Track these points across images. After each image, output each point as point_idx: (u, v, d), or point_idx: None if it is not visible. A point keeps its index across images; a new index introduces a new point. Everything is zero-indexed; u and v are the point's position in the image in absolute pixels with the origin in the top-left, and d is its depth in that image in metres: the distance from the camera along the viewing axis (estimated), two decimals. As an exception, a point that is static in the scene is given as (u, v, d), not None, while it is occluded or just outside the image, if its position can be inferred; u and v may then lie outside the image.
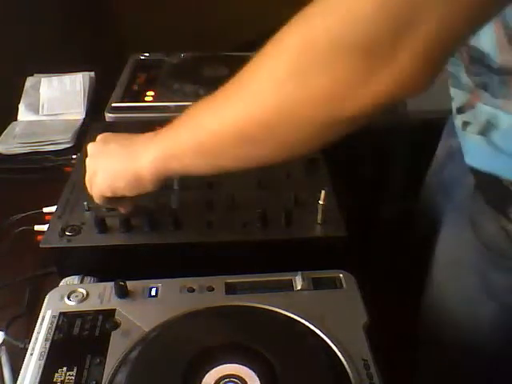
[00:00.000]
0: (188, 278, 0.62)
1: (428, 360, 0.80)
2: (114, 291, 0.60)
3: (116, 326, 0.56)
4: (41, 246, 0.67)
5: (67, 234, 0.68)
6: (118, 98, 1.05)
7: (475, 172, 0.64)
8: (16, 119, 1.11)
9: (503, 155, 0.59)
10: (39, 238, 0.71)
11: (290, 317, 0.57)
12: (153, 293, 0.61)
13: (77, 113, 1.12)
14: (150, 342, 0.54)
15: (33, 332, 0.56)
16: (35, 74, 1.19)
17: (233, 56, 1.21)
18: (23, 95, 1.15)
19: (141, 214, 0.70)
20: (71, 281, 0.65)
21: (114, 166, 0.64)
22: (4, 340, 0.63)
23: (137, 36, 1.45)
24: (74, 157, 0.98)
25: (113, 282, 0.60)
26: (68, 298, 0.60)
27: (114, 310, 0.58)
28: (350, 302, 0.60)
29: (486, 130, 0.60)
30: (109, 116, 1.00)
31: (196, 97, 1.04)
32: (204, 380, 0.50)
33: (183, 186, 0.77)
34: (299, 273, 0.62)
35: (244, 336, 0.55)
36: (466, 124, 0.64)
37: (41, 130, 1.07)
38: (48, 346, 0.54)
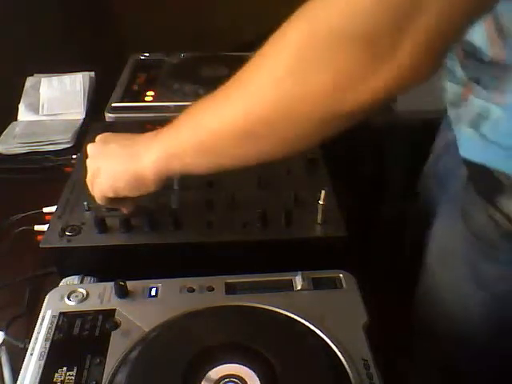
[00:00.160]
0: (188, 278, 0.62)
1: (422, 350, 0.80)
2: (114, 291, 0.60)
3: (116, 325, 0.56)
4: (41, 246, 0.68)
5: (67, 233, 0.68)
6: (118, 98, 1.05)
7: (468, 163, 0.65)
8: (16, 119, 1.11)
9: (494, 146, 0.60)
10: (39, 237, 0.71)
11: (290, 317, 0.57)
12: (153, 293, 0.61)
13: (77, 113, 1.12)
14: (150, 341, 0.54)
15: (33, 332, 0.56)
16: (35, 74, 1.19)
17: (232, 56, 1.21)
18: (23, 95, 1.15)
19: (141, 214, 0.70)
20: (71, 281, 0.65)
21: (116, 167, 0.64)
22: (4, 340, 0.63)
23: (137, 36, 1.45)
24: (74, 157, 0.97)
25: (113, 282, 0.60)
26: (68, 297, 0.60)
27: (114, 309, 0.58)
28: (350, 302, 0.60)
29: (477, 122, 0.61)
30: (109, 116, 1.00)
31: (196, 97, 1.03)
32: (204, 380, 0.50)
33: (183, 186, 0.77)
34: (299, 273, 0.62)
35: (244, 336, 0.55)
36: (458, 117, 0.65)
37: (41, 130, 1.07)
38: (48, 346, 0.54)
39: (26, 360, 0.53)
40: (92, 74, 1.19)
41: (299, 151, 0.57)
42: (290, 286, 0.62)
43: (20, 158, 1.01)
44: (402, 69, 0.43)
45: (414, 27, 0.41)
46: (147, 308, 0.59)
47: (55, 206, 0.74)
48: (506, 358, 0.70)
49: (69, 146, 1.03)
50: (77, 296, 0.60)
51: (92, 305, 0.59)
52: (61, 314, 0.58)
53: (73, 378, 0.51)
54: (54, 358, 0.53)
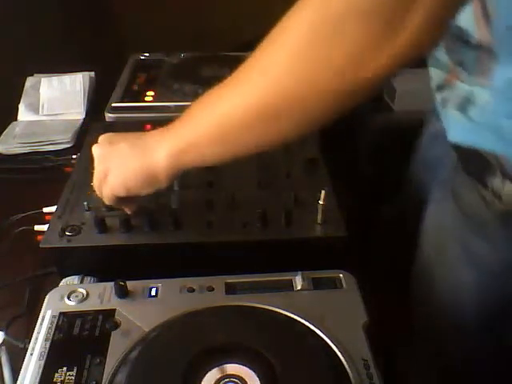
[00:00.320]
0: (188, 278, 0.62)
1: (420, 335, 0.81)
2: (114, 291, 0.60)
3: (116, 325, 0.56)
4: (41, 246, 0.68)
5: (67, 233, 0.68)
6: (118, 98, 1.05)
7: (456, 147, 0.67)
8: (16, 119, 1.12)
9: (481, 128, 0.62)
10: (39, 237, 0.71)
11: (290, 317, 0.57)
12: (153, 293, 0.61)
13: (77, 113, 1.12)
14: (150, 341, 0.54)
15: (33, 332, 0.56)
16: (35, 74, 1.20)
17: (232, 56, 1.21)
18: (23, 95, 1.15)
19: (141, 214, 0.70)
20: (71, 281, 0.65)
21: (128, 165, 0.63)
22: (4, 340, 0.63)
23: (137, 36, 1.45)
24: (74, 157, 0.98)
25: (113, 282, 0.60)
26: (68, 297, 0.60)
27: (114, 309, 0.58)
28: (350, 302, 0.60)
29: (464, 105, 0.63)
30: (109, 116, 1.00)
31: (196, 97, 1.03)
32: (204, 380, 0.50)
33: (183, 186, 0.77)
34: (299, 273, 0.62)
35: (244, 336, 0.55)
36: (445, 101, 0.67)
37: (41, 130, 1.07)
38: (48, 346, 0.54)
39: (25, 360, 0.53)
40: (92, 74, 1.19)
41: (318, 126, 0.56)
42: (290, 286, 0.62)
43: (20, 158, 1.01)
44: (415, 36, 0.45)
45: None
46: (147, 308, 0.59)
47: (55, 206, 0.74)
48: (501, 340, 0.71)
49: (69, 145, 1.03)
50: (77, 296, 0.60)
51: (92, 305, 0.59)
52: (61, 314, 0.58)
53: (73, 377, 0.51)
54: (54, 358, 0.53)
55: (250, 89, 0.53)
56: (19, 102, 1.13)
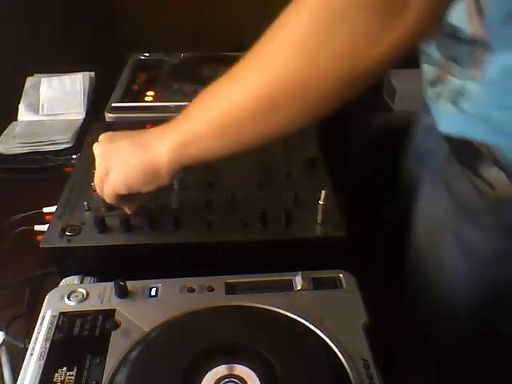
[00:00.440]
0: (188, 278, 0.62)
1: (415, 327, 0.82)
2: (114, 291, 0.60)
3: (116, 325, 0.56)
4: (41, 246, 0.68)
5: (67, 234, 0.68)
6: (118, 98, 1.05)
7: (448, 138, 0.69)
8: (16, 119, 1.12)
9: (473, 120, 0.64)
10: (39, 238, 0.71)
11: (290, 317, 0.57)
12: (153, 293, 0.61)
13: (77, 113, 1.12)
14: (149, 341, 0.54)
15: (33, 332, 0.56)
16: (35, 74, 1.20)
17: (232, 56, 1.21)
18: (23, 95, 1.15)
19: (141, 213, 0.70)
20: (71, 281, 0.65)
21: (129, 162, 0.64)
22: (4, 340, 0.63)
23: (137, 36, 1.45)
24: (74, 157, 0.98)
25: (113, 282, 0.60)
26: (68, 297, 0.60)
27: (114, 309, 0.58)
28: (349, 302, 0.60)
29: (456, 99, 0.65)
30: (109, 116, 1.01)
31: (196, 97, 1.04)
32: (204, 380, 0.50)
33: (183, 186, 0.77)
34: (299, 273, 0.62)
35: (244, 336, 0.55)
36: (438, 95, 0.69)
37: (41, 130, 1.07)
38: (48, 346, 0.54)
39: (25, 360, 0.53)
40: (92, 74, 1.19)
41: (319, 116, 0.57)
42: (290, 286, 0.62)
43: (20, 158, 1.01)
44: (414, 23, 0.47)
45: None
46: (147, 308, 0.59)
47: (55, 206, 0.74)
48: (495, 329, 0.72)
49: (69, 145, 1.03)
50: (77, 296, 0.60)
51: (92, 305, 0.59)
52: (61, 314, 0.58)
53: (73, 378, 0.51)
54: (54, 358, 0.53)
55: (249, 80, 0.54)
56: (19, 102, 1.13)
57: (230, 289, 0.61)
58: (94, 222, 0.69)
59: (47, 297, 0.61)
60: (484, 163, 0.64)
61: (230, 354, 0.52)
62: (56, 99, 1.14)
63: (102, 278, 0.65)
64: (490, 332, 0.73)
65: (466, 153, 0.66)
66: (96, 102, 1.14)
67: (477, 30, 0.58)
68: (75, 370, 0.52)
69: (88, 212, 0.72)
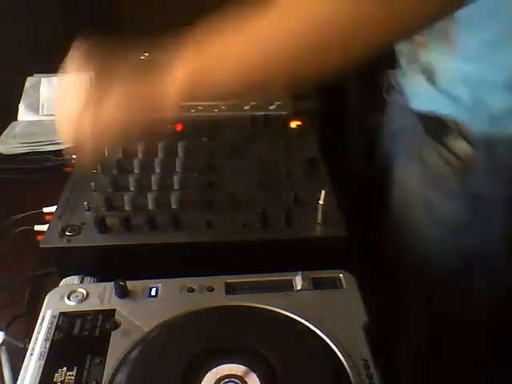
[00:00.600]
0: (188, 278, 0.62)
1: (403, 286, 0.87)
2: (114, 291, 0.60)
3: (116, 325, 0.56)
4: (41, 246, 0.68)
5: (67, 234, 0.68)
6: (118, 98, 1.05)
7: (420, 115, 0.76)
8: (16, 119, 1.11)
9: (443, 96, 0.71)
10: (39, 238, 0.71)
11: (290, 317, 0.57)
12: (153, 293, 0.61)
13: (77, 113, 1.12)
14: (149, 341, 0.54)
15: (33, 332, 0.56)
16: (35, 74, 1.20)
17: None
18: (23, 95, 1.15)
19: (141, 214, 0.70)
20: (71, 281, 0.65)
21: (132, 84, 0.60)
22: (4, 340, 0.63)
23: (137, 36, 1.45)
24: (74, 157, 0.97)
25: (113, 282, 0.60)
26: (68, 298, 0.60)
27: (114, 309, 0.58)
28: (349, 302, 0.60)
29: (428, 73, 0.72)
30: (109, 116, 1.00)
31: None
32: (204, 380, 0.50)
33: (183, 186, 0.77)
34: (299, 273, 0.62)
35: (244, 336, 0.55)
36: (412, 71, 0.76)
37: (41, 130, 1.07)
38: (48, 346, 0.54)
39: (25, 360, 0.53)
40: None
41: (359, 59, 0.56)
42: (290, 286, 0.62)
43: (20, 158, 1.01)
44: None
45: None
46: (147, 308, 0.59)
47: (55, 206, 0.74)
48: (468, 292, 0.78)
49: (69, 145, 1.03)
50: (77, 296, 0.60)
51: (92, 305, 0.59)
52: (61, 314, 0.58)
53: (73, 378, 0.51)
54: (54, 358, 0.53)
55: (301, 17, 0.53)
56: (19, 102, 1.13)
57: (230, 289, 0.61)
58: (94, 222, 0.69)
59: (47, 297, 0.61)
60: (452, 137, 0.71)
61: (230, 354, 0.52)
62: (56, 99, 1.14)
63: (102, 278, 0.65)
64: (465, 294, 0.78)
65: (437, 128, 0.73)
66: (96, 102, 1.13)
67: None
68: (75, 370, 0.52)
69: (88, 212, 0.72)
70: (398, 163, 0.86)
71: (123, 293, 0.60)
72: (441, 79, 0.71)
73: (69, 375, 0.51)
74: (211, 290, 0.61)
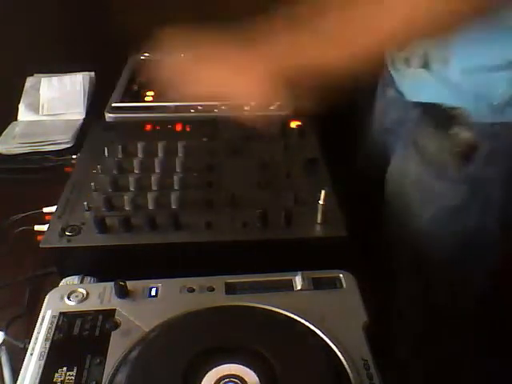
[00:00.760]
0: (188, 278, 0.62)
1: (398, 269, 0.90)
2: (114, 291, 0.60)
3: (116, 325, 0.56)
4: (41, 246, 0.67)
5: (67, 234, 0.68)
6: (118, 98, 1.05)
7: (419, 105, 0.78)
8: (16, 119, 1.11)
9: (442, 85, 0.73)
10: (39, 238, 0.71)
11: (289, 317, 0.57)
12: (153, 293, 0.61)
13: (77, 113, 1.12)
14: (149, 341, 0.54)
15: (33, 332, 0.56)
16: (35, 74, 1.20)
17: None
18: (23, 95, 1.15)
19: (141, 214, 0.70)
20: (71, 281, 0.65)
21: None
22: (4, 340, 0.63)
23: (137, 36, 1.45)
24: (74, 157, 0.98)
25: (113, 282, 0.60)
26: (68, 298, 0.60)
27: (114, 309, 0.58)
28: (349, 302, 0.60)
29: (426, 62, 0.74)
30: (109, 116, 1.00)
31: (196, 97, 1.04)
32: (204, 380, 0.50)
33: (183, 186, 0.77)
34: (299, 273, 0.62)
35: (244, 336, 0.55)
36: (407, 61, 0.77)
37: (41, 130, 1.07)
38: (48, 346, 0.54)
39: (25, 360, 0.53)
40: (92, 74, 1.19)
41: None
42: (290, 286, 0.62)
43: (20, 158, 1.01)
44: None
45: None
46: (147, 308, 0.59)
47: (55, 206, 0.74)
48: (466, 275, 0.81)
49: (69, 146, 1.03)
50: (77, 296, 0.60)
51: (92, 305, 0.59)
52: (61, 314, 0.58)
53: (73, 378, 0.51)
54: (54, 358, 0.53)
55: None
56: (19, 102, 1.13)
57: (230, 289, 0.61)
58: (94, 222, 0.69)
59: (47, 297, 0.61)
60: (453, 125, 0.73)
61: (230, 354, 0.52)
62: (56, 99, 1.14)
63: (102, 278, 0.65)
64: (455, 286, 0.81)
65: (436, 116, 0.75)
66: (96, 102, 1.14)
67: None
68: (75, 370, 0.52)
69: (88, 212, 0.72)
70: (394, 154, 0.88)
71: (123, 293, 0.60)
72: (441, 69, 0.73)
73: (69, 375, 0.51)
74: (211, 289, 0.61)
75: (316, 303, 0.59)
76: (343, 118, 1.21)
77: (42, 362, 0.53)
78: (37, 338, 0.55)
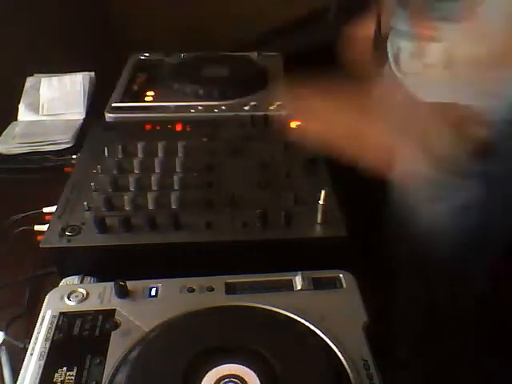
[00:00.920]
0: (188, 278, 0.62)
1: (399, 268, 0.90)
2: (114, 291, 0.60)
3: (116, 325, 0.56)
4: (41, 246, 0.67)
5: (67, 234, 0.68)
6: (118, 98, 1.05)
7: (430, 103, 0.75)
8: (16, 119, 1.11)
9: (461, 85, 0.71)
10: (39, 238, 0.71)
11: (290, 317, 0.57)
12: (153, 293, 0.61)
13: (77, 113, 1.12)
14: (149, 341, 0.54)
15: (33, 332, 0.56)
16: (35, 74, 1.19)
17: (233, 56, 1.21)
18: (23, 95, 1.15)
19: (141, 214, 0.70)
20: (71, 281, 0.65)
21: None
22: (4, 340, 0.63)
23: (137, 36, 1.45)
24: (74, 157, 0.98)
25: (113, 282, 0.60)
26: (68, 298, 0.60)
27: (114, 310, 0.58)
28: (349, 302, 0.60)
29: (447, 62, 0.73)
30: (109, 116, 1.00)
31: (196, 97, 1.04)
32: (204, 380, 0.50)
33: (183, 186, 0.77)
34: (299, 273, 0.62)
35: (244, 336, 0.55)
36: (426, 66, 0.77)
37: (41, 130, 1.07)
38: (48, 346, 0.54)
39: (25, 360, 0.53)
40: (92, 74, 1.19)
41: None
42: (290, 285, 0.62)
43: (20, 158, 1.01)
44: None
45: None
46: (147, 308, 0.59)
47: (55, 206, 0.74)
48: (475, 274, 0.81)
49: (69, 146, 1.03)
50: (77, 296, 0.60)
51: (92, 305, 0.59)
52: (61, 314, 0.58)
53: (73, 378, 0.51)
54: (54, 358, 0.53)
55: None
56: (19, 102, 1.13)
57: (230, 289, 0.61)
58: (94, 222, 0.69)
59: (47, 297, 0.61)
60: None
61: (230, 354, 0.52)
62: (56, 99, 1.14)
63: (102, 278, 0.65)
64: (456, 285, 0.81)
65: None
66: (96, 102, 1.14)
67: None
68: (75, 370, 0.52)
69: (88, 212, 0.72)
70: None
71: (123, 293, 0.60)
72: (459, 67, 0.72)
73: (69, 375, 0.51)
74: (211, 290, 0.61)
75: (316, 303, 0.59)
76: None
77: (42, 362, 0.53)
78: (37, 338, 0.55)
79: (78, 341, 0.55)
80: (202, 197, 0.74)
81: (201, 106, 1.01)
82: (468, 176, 0.77)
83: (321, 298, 0.60)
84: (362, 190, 0.99)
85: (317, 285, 0.62)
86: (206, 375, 0.51)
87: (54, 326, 0.57)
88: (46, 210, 0.83)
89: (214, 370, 0.51)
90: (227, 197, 0.74)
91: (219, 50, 1.24)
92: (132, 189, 0.76)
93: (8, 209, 0.85)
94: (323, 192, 0.69)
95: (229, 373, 0.51)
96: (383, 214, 0.90)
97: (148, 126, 0.94)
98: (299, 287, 0.61)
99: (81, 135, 1.04)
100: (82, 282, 0.65)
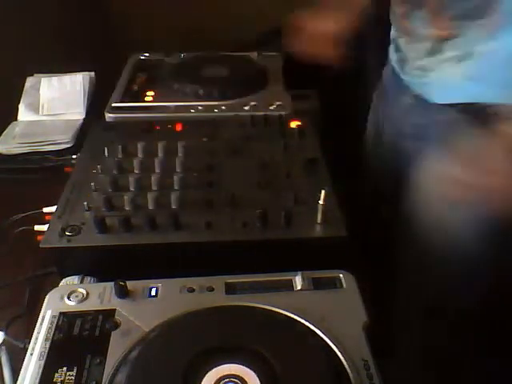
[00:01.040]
0: (188, 278, 0.62)
1: (406, 270, 0.89)
2: (114, 291, 0.60)
3: (116, 325, 0.56)
4: (41, 246, 0.67)
5: (67, 234, 0.68)
6: (118, 98, 1.05)
7: (454, 106, 0.76)
8: (16, 119, 1.11)
9: (484, 82, 0.71)
10: (39, 238, 0.71)
11: (290, 317, 0.57)
12: (153, 293, 0.61)
13: (77, 113, 1.12)
14: (149, 341, 0.54)
15: (33, 332, 0.56)
16: (35, 74, 1.19)
17: (233, 56, 1.21)
18: (23, 95, 1.15)
19: (141, 214, 0.70)
20: (71, 281, 0.65)
21: None
22: (4, 340, 0.63)
23: (137, 36, 1.45)
24: (74, 157, 0.98)
25: (113, 282, 0.60)
26: (68, 298, 0.60)
27: (114, 310, 0.58)
28: (349, 302, 0.60)
29: (465, 60, 0.72)
30: (109, 116, 1.00)
31: (196, 97, 1.04)
32: (204, 380, 0.50)
33: (183, 186, 0.77)
34: (299, 273, 0.62)
35: (244, 336, 0.55)
36: (439, 62, 0.76)
37: (41, 130, 1.07)
38: (48, 346, 0.54)
39: (25, 360, 0.53)
40: (92, 74, 1.19)
41: None
42: (290, 286, 0.62)
43: (20, 158, 1.01)
44: None
45: None
46: (147, 308, 0.59)
47: (55, 206, 0.74)
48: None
49: (69, 146, 1.03)
50: (77, 296, 0.60)
51: (92, 305, 0.59)
52: (61, 314, 0.58)
53: (73, 378, 0.51)
54: (54, 358, 0.53)
55: None
56: (19, 102, 1.13)
57: (230, 289, 0.61)
58: (94, 222, 0.69)
59: (47, 297, 0.61)
60: (497, 120, 0.69)
61: (230, 354, 0.52)
62: (56, 99, 1.14)
63: (102, 278, 0.65)
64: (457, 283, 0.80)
65: (478, 116, 0.71)
66: (96, 102, 1.14)
67: None
68: (75, 370, 0.52)
69: (88, 212, 0.72)
70: (424, 157, 0.83)
71: (123, 293, 0.60)
72: (485, 62, 0.71)
73: (69, 375, 0.51)
74: (211, 290, 0.61)
75: (316, 303, 0.59)
76: (343, 117, 1.21)
77: (42, 362, 0.53)
78: (37, 338, 0.55)
79: (78, 341, 0.55)
80: (202, 197, 0.74)
81: (201, 106, 1.01)
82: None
83: (321, 298, 0.60)
84: (361, 190, 0.99)
85: (317, 285, 0.62)
86: (206, 375, 0.51)
87: (54, 326, 0.57)
88: (45, 209, 0.83)
89: (213, 370, 0.51)
90: (227, 197, 0.74)
91: (219, 50, 1.24)
92: (132, 189, 0.76)
93: (8, 209, 0.85)
94: (323, 192, 0.69)
95: (229, 373, 0.51)
96: (383, 215, 0.89)
97: (148, 126, 0.94)
98: (299, 287, 0.61)
99: (81, 135, 1.04)
100: (82, 282, 0.65)
